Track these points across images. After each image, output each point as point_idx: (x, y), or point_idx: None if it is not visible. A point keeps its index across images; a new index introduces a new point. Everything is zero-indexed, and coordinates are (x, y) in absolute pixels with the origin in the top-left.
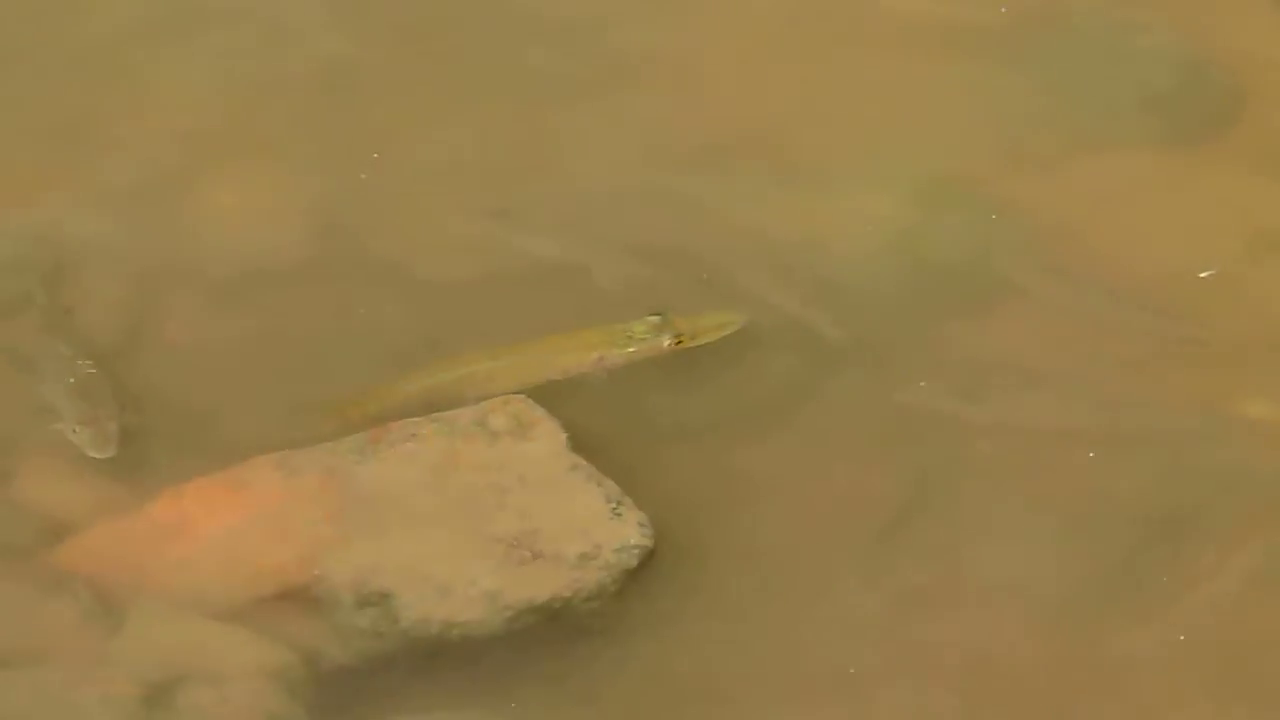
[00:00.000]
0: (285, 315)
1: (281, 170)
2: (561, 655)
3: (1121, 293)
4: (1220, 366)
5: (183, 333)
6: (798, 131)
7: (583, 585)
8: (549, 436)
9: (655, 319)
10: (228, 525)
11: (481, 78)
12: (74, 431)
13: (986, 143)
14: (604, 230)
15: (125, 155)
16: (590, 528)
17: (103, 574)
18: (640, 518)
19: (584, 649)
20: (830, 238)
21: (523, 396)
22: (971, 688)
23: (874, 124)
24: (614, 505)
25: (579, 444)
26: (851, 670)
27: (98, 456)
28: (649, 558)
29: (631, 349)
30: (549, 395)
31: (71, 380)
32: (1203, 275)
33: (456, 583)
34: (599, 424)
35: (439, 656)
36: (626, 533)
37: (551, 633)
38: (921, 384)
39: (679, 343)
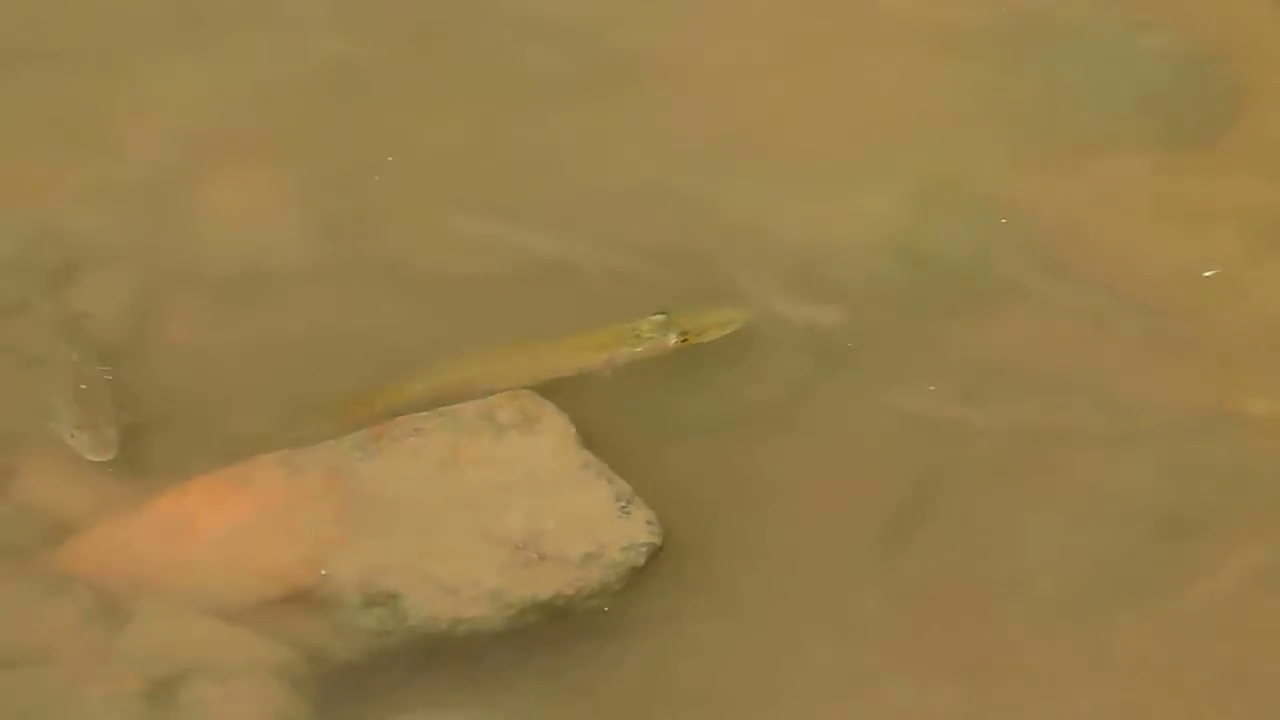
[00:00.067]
0: (288, 314)
1: (285, 170)
2: (564, 652)
3: (1122, 292)
4: (1222, 366)
5: (186, 332)
6: (799, 131)
7: (586, 583)
8: (556, 430)
9: (661, 317)
10: (231, 524)
11: (484, 78)
12: (72, 435)
13: (987, 142)
14: (606, 229)
15: (129, 155)
16: (597, 526)
17: (106, 573)
18: (649, 516)
19: (587, 646)
20: (832, 237)
21: (528, 390)
22: (974, 688)
23: (875, 124)
24: (623, 504)
25: (583, 441)
26: (853, 670)
27: (97, 460)
28: (655, 556)
29: (639, 348)
30: (552, 392)
31: (69, 384)
32: (1206, 275)
33: (462, 582)
34: (602, 421)
35: (442, 653)
36: (634, 531)
37: (555, 630)
38: (924, 384)
39: (685, 340)
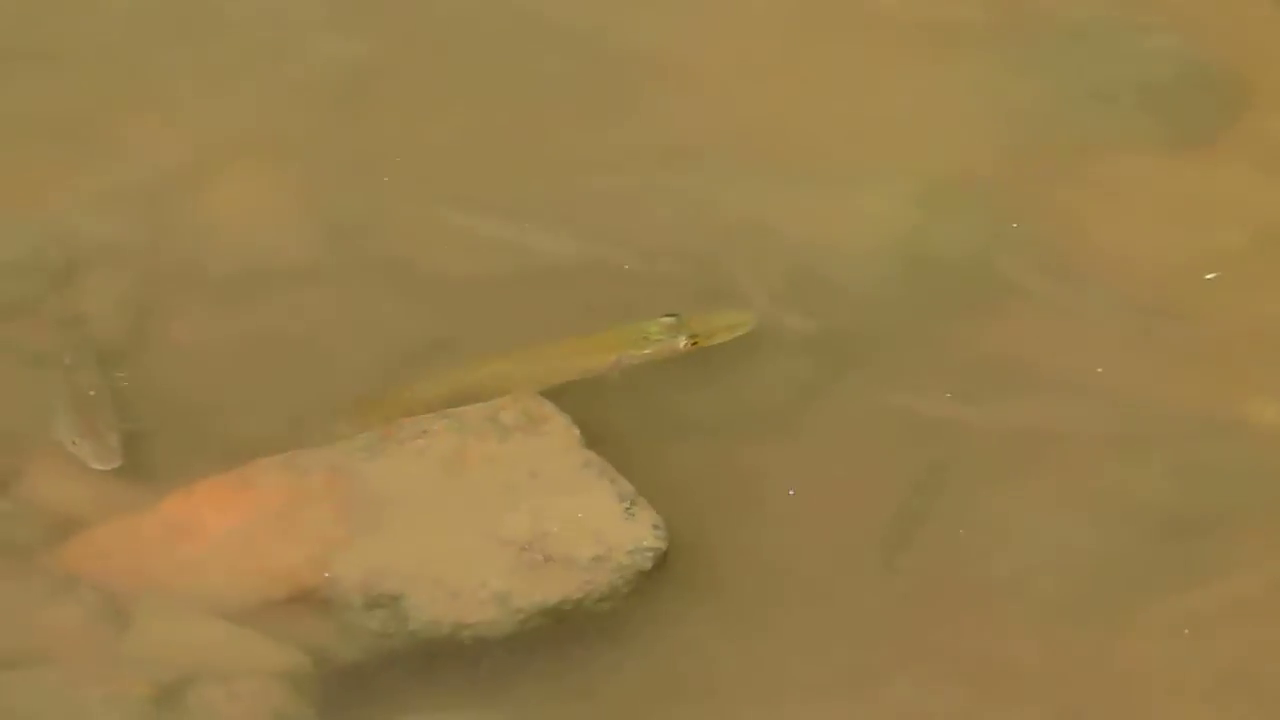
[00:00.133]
0: (293, 315)
1: (289, 171)
2: (570, 656)
3: (1125, 292)
4: (1225, 366)
5: (190, 333)
6: (800, 132)
7: (595, 587)
8: (561, 432)
9: (670, 320)
10: (236, 525)
11: (488, 80)
12: (74, 443)
13: (990, 143)
14: (609, 230)
15: (133, 156)
16: (603, 528)
17: (110, 574)
18: (654, 519)
19: (593, 650)
20: (834, 238)
21: (533, 392)
22: (976, 688)
23: (877, 124)
24: (627, 505)
25: (587, 443)
26: (856, 671)
27: (101, 469)
28: (662, 560)
29: (648, 350)
30: (556, 394)
31: (69, 391)
32: (1208, 278)
33: (467, 585)
34: (605, 422)
35: (448, 656)
36: (640, 534)
37: (562, 634)
38: (926, 385)
39: (694, 343)
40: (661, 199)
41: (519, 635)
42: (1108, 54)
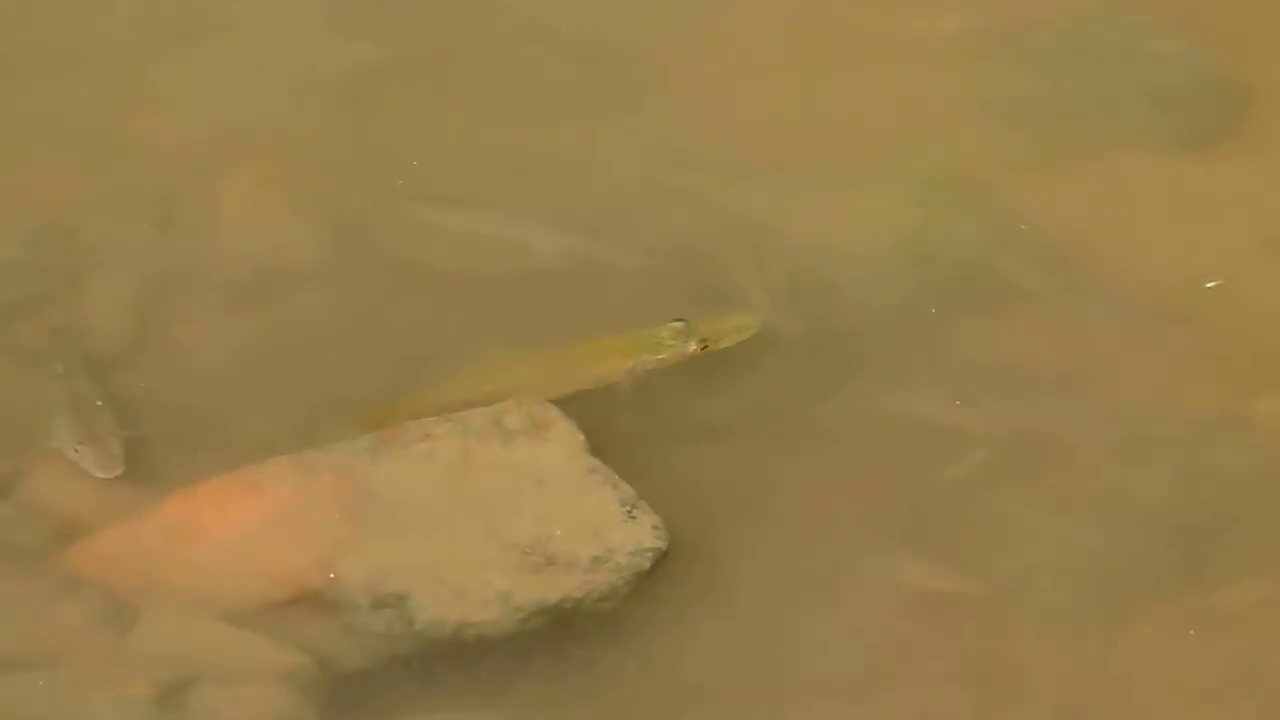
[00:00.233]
0: (298, 317)
1: (294, 172)
2: (571, 657)
3: (1129, 295)
4: (1229, 368)
5: (195, 334)
6: (804, 134)
7: (595, 587)
8: (565, 437)
9: (680, 324)
10: (240, 527)
11: (493, 82)
12: (76, 451)
13: (994, 144)
14: (614, 232)
15: (138, 158)
16: (604, 530)
17: (115, 576)
18: (654, 520)
19: (594, 651)
20: (837, 239)
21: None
22: (981, 690)
23: (881, 126)
24: (628, 508)
25: (591, 446)
26: (859, 674)
27: (103, 476)
28: (662, 560)
29: (662, 355)
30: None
31: (67, 398)
32: (1209, 285)
33: (471, 585)
34: (609, 425)
35: (452, 657)
36: (640, 535)
37: (563, 635)
38: (929, 387)
39: (704, 347)
40: (663, 200)
41: (520, 636)
42: (1113, 56)
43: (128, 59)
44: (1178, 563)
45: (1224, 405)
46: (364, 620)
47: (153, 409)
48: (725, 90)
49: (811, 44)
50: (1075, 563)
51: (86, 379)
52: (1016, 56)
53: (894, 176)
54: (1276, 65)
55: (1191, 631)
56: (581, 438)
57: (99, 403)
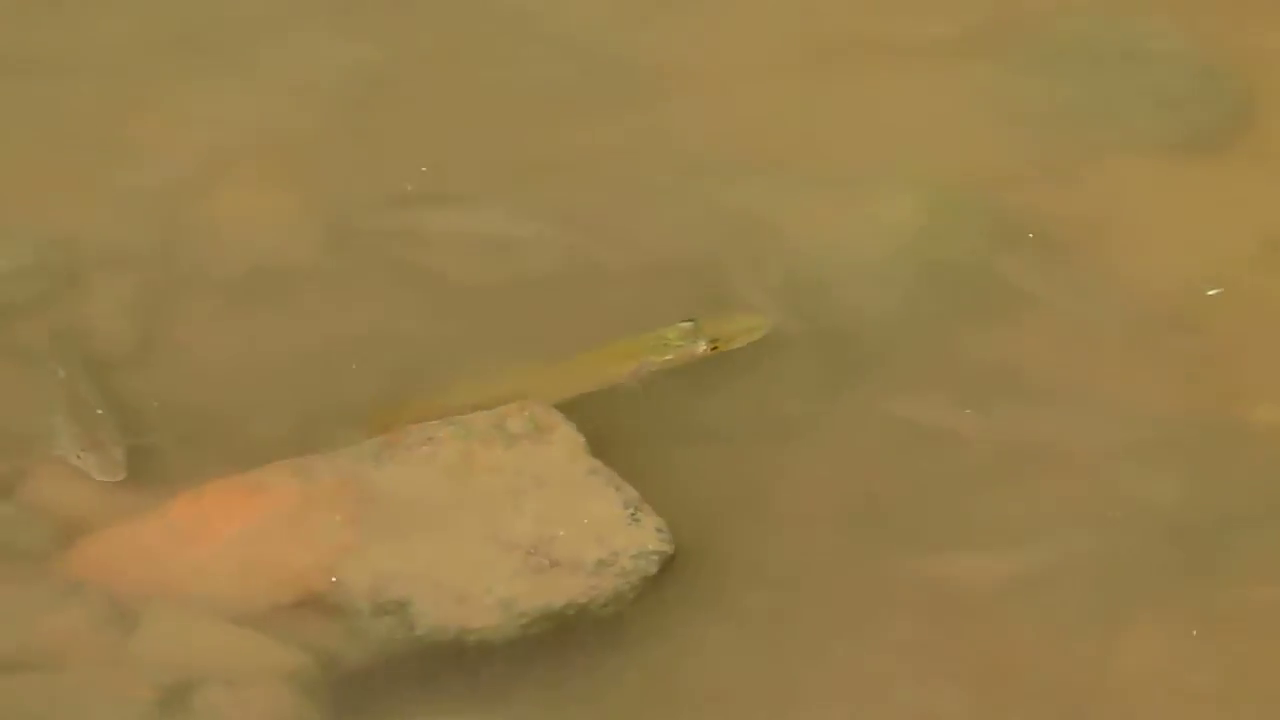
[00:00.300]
0: (300, 320)
1: (296, 175)
2: (574, 662)
3: (1133, 299)
4: (1232, 373)
5: (198, 337)
6: (809, 137)
7: (600, 592)
8: (567, 440)
9: (688, 325)
10: (244, 529)
11: (492, 85)
12: (78, 456)
13: (998, 149)
14: (618, 234)
15: (142, 161)
16: (608, 534)
17: (118, 577)
18: (658, 523)
19: (597, 656)
20: (842, 243)
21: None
22: (985, 693)
23: (887, 130)
24: (632, 511)
25: (593, 447)
26: (863, 678)
27: (107, 481)
28: (668, 564)
29: (670, 355)
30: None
31: (68, 403)
32: (1210, 293)
33: (473, 589)
34: (612, 427)
35: (455, 661)
36: (644, 539)
37: (565, 640)
38: (933, 391)
39: (713, 348)
40: (666, 202)
41: (523, 641)
42: (1115, 59)
43: (130, 61)
44: (1179, 565)
45: (1225, 409)
46: (366, 625)
47: (155, 412)
48: (728, 92)
49: (814, 47)
50: (1078, 565)
51: (88, 384)
52: (1020, 60)
53: (897, 179)
54: (1278, 68)
55: (1194, 632)
56: (583, 440)
57: (100, 410)
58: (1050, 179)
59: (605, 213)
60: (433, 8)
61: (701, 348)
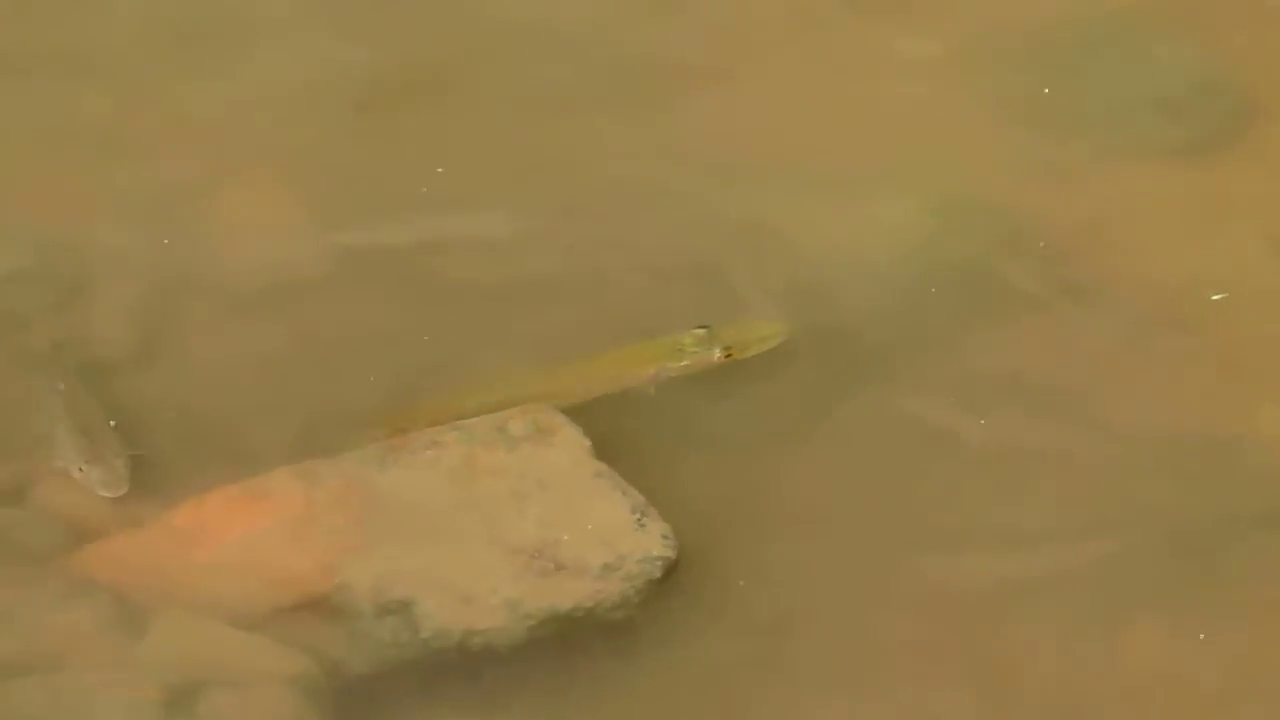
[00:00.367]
0: (305, 325)
1: (301, 181)
2: (577, 668)
3: (1136, 302)
4: (1238, 377)
5: (202, 343)
6: (815, 142)
7: (606, 595)
8: (570, 443)
9: (702, 331)
10: (249, 533)
11: (498, 89)
12: (80, 470)
13: (1003, 153)
14: (625, 239)
15: (146, 166)
16: (613, 538)
17: (124, 581)
18: (664, 528)
19: (601, 662)
20: (849, 247)
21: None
22: (988, 697)
23: (891, 135)
24: (638, 515)
25: (599, 451)
26: (866, 682)
27: (110, 496)
28: (673, 568)
29: (685, 362)
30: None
31: (68, 416)
32: (1215, 298)
33: (478, 591)
34: (617, 432)
35: (458, 665)
36: (650, 543)
37: (569, 646)
38: (938, 395)
39: (728, 355)
40: (674, 206)
41: (526, 646)
42: (1120, 64)
43: (135, 67)
44: (1183, 568)
45: (1229, 412)
46: (370, 627)
47: (161, 418)
48: (734, 96)
49: (820, 51)
50: (1081, 567)
51: (90, 397)
52: (1022, 65)
53: (902, 183)
54: (1279, 71)
55: (1201, 635)
56: (588, 443)
57: (103, 422)
58: (1053, 183)
59: (610, 216)
60: (436, 10)
61: (716, 355)
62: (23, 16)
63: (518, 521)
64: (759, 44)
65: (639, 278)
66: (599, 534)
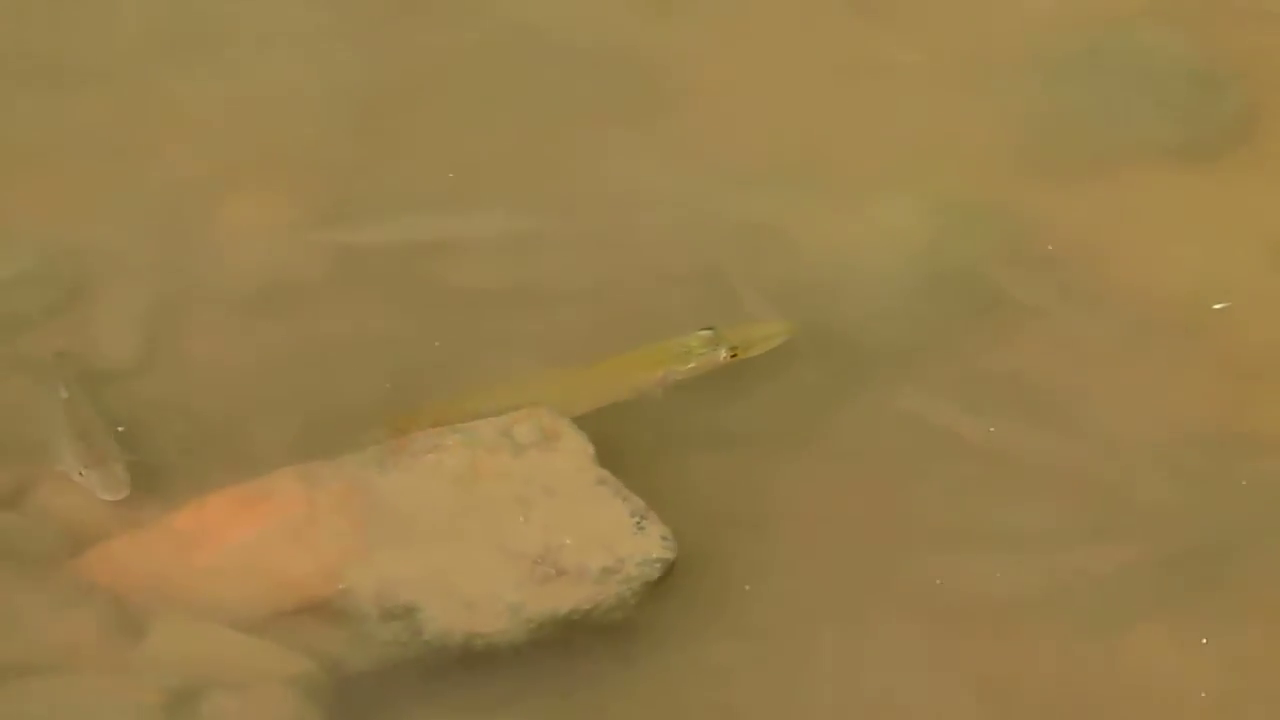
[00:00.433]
0: (307, 329)
1: (304, 185)
2: (579, 668)
3: (1137, 306)
4: (1239, 382)
5: (206, 347)
6: (818, 145)
7: (604, 598)
8: (573, 448)
9: (708, 333)
10: (250, 536)
11: (498, 97)
12: (80, 474)
13: (1005, 158)
14: (629, 244)
15: (148, 171)
16: (613, 541)
17: (125, 584)
18: (663, 531)
19: (602, 665)
20: (851, 250)
21: (547, 408)
22: (991, 701)
23: (894, 139)
24: (638, 519)
25: (599, 455)
26: (869, 686)
27: (110, 499)
28: (671, 570)
29: (692, 364)
30: None
31: (68, 421)
32: (1216, 307)
33: (481, 595)
34: (618, 435)
35: (459, 668)
36: (649, 546)
37: (571, 648)
38: (939, 398)
39: (734, 355)
40: (677, 211)
41: (528, 649)
42: (1119, 68)
43: (137, 73)
44: (1187, 573)
45: (1231, 417)
46: (373, 630)
47: (162, 421)
48: (736, 100)
49: (822, 55)
50: (1083, 571)
51: (91, 402)
52: (1024, 70)
53: (905, 187)
54: None
55: (1204, 640)
56: (591, 449)
57: (104, 426)
58: (1058, 188)
59: (612, 219)
60: (439, 18)
61: (723, 355)
62: (24, 20)
63: (521, 527)
64: (761, 48)
65: (641, 280)
66: (599, 538)
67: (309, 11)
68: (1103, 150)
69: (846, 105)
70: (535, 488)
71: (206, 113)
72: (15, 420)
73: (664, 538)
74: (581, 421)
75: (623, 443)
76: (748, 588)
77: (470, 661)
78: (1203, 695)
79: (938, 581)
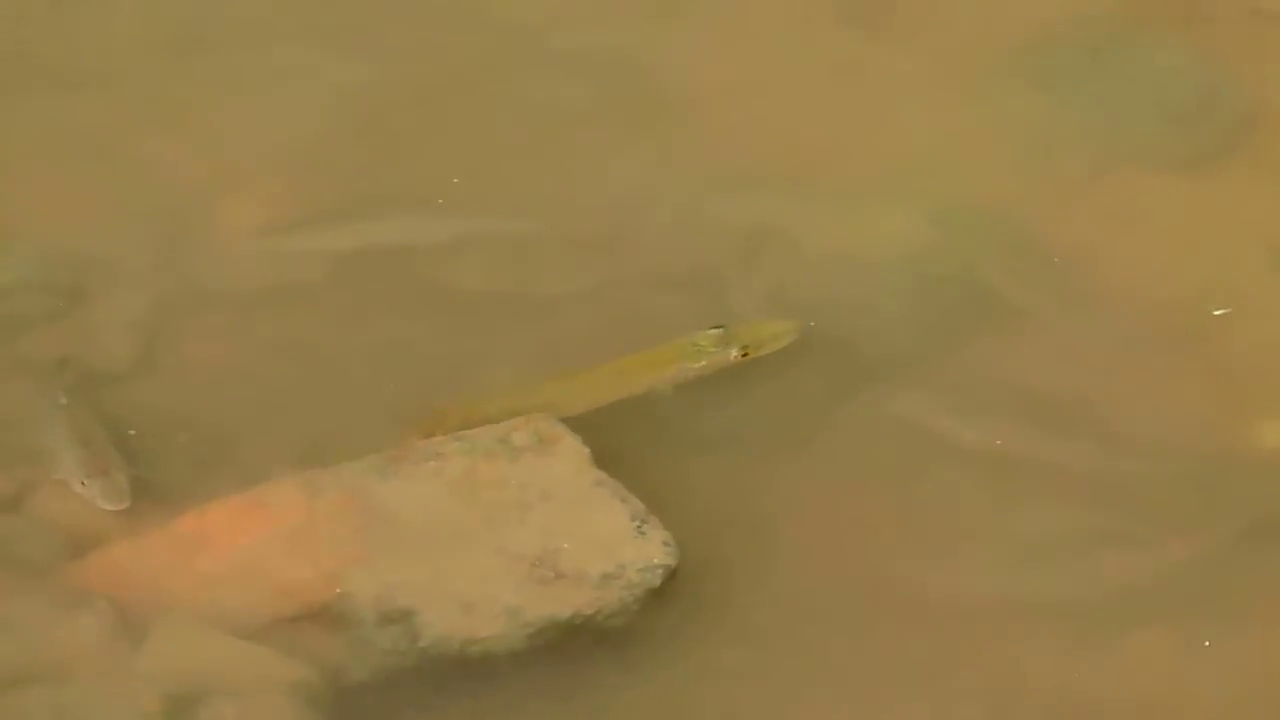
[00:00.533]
0: (307, 335)
1: (304, 189)
2: (579, 674)
3: (1136, 311)
4: (1235, 389)
5: (205, 352)
6: (818, 150)
7: (605, 603)
8: (571, 452)
9: (718, 331)
10: (250, 543)
11: (497, 100)
12: (82, 484)
13: (1005, 163)
14: (631, 248)
15: (145, 176)
16: (614, 546)
17: (125, 590)
18: (664, 536)
19: (601, 667)
20: (850, 255)
21: (544, 414)
22: (993, 708)
23: (894, 144)
24: (638, 523)
25: (599, 460)
26: (870, 691)
27: (112, 509)
28: (673, 576)
29: (703, 362)
30: None
31: (69, 430)
32: (1217, 313)
33: (479, 599)
34: (617, 439)
35: (458, 674)
36: (650, 551)
37: (572, 649)
38: (938, 403)
39: (744, 354)
40: (678, 215)
41: (528, 654)
42: (1121, 74)
43: (136, 77)
44: (1188, 579)
45: (1232, 424)
46: (370, 635)
47: (162, 428)
48: (737, 106)
49: (822, 61)
50: (1085, 576)
51: (91, 411)
52: (1024, 76)
53: (905, 193)
54: None
55: (1204, 643)
56: (588, 452)
57: (104, 435)
58: (1057, 194)
59: (613, 223)
60: (441, 24)
61: (734, 354)
62: (24, 24)
63: (519, 532)
64: (762, 52)
65: (644, 285)
66: (599, 542)
67: (309, 12)
68: (1102, 155)
69: (846, 110)
70: (532, 492)
71: (206, 114)
72: (15, 425)
73: (665, 543)
74: (579, 424)
75: (621, 446)
76: (743, 590)
77: (470, 669)
78: (1205, 700)
79: (939, 585)
